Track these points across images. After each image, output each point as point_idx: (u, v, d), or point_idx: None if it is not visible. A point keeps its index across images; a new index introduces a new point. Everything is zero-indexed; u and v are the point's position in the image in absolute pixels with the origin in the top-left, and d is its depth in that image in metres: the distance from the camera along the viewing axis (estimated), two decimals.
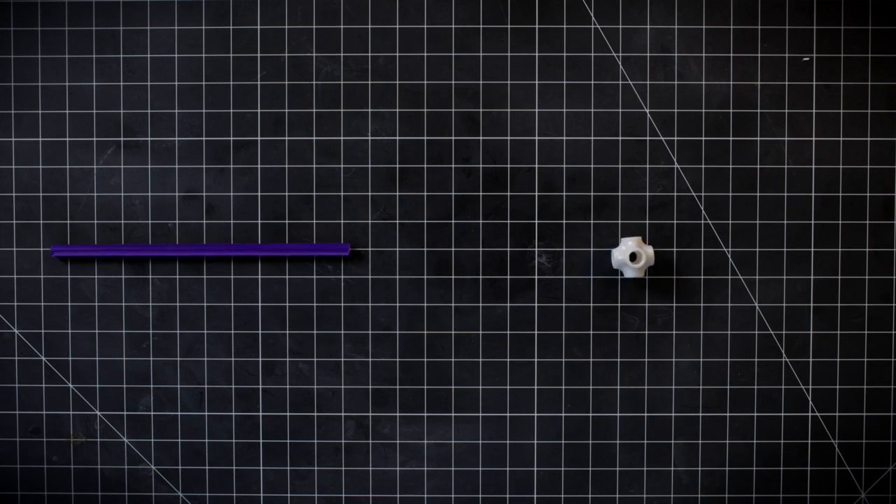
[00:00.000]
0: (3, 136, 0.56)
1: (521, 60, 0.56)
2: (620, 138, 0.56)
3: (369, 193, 0.56)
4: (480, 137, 0.56)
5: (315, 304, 0.56)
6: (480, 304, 0.56)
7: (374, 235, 0.56)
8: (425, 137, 0.56)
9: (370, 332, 0.56)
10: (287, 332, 0.56)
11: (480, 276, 0.56)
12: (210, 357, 0.57)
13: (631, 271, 0.53)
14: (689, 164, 0.56)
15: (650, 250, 0.53)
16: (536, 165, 0.56)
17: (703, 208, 0.56)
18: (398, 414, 0.57)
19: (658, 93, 0.56)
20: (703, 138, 0.56)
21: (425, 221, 0.56)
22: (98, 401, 0.57)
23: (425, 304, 0.56)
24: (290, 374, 0.57)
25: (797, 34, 0.56)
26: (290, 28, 0.56)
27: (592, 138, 0.56)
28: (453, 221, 0.56)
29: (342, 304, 0.56)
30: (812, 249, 0.56)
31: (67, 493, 0.57)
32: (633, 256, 0.52)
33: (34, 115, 0.56)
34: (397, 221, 0.56)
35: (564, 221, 0.56)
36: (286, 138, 0.56)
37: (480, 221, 0.56)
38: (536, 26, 0.56)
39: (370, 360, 0.57)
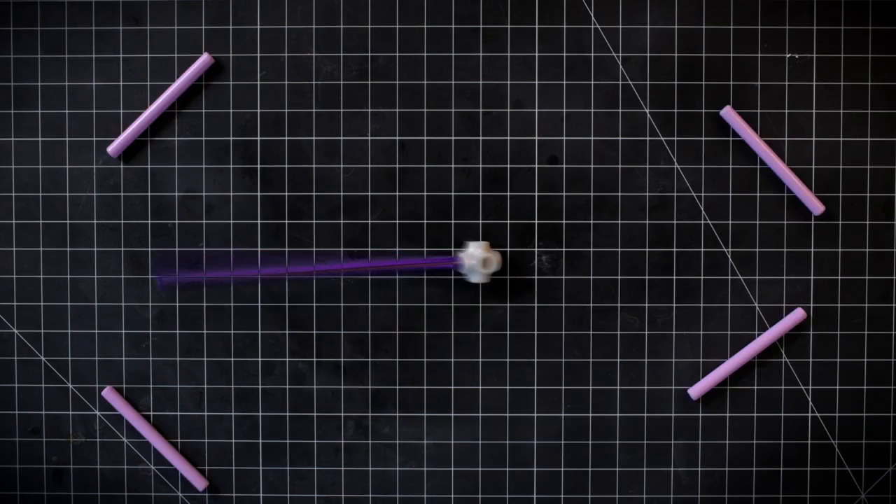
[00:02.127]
0: (3, 136, 0.56)
1: (521, 60, 0.56)
2: (620, 138, 0.56)
3: (369, 193, 0.56)
4: (480, 137, 0.56)
5: (315, 304, 0.56)
6: (480, 304, 0.56)
7: (374, 235, 0.56)
8: (425, 137, 0.56)
9: (370, 332, 0.56)
10: (287, 332, 0.56)
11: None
12: (209, 357, 0.57)
13: (479, 276, 0.53)
14: (689, 164, 0.56)
15: (498, 256, 0.53)
16: (536, 165, 0.56)
17: (703, 208, 0.56)
18: (398, 414, 0.57)
19: (658, 93, 0.56)
20: (703, 138, 0.56)
21: (425, 221, 0.56)
22: (97, 401, 0.57)
23: (425, 304, 0.56)
24: (290, 375, 0.57)
25: (797, 34, 0.56)
26: (290, 28, 0.56)
27: (592, 138, 0.56)
28: (453, 221, 0.56)
29: (342, 304, 0.56)
30: (812, 249, 0.56)
31: (67, 493, 0.57)
32: (485, 262, 0.53)
33: (34, 114, 0.56)
34: (397, 221, 0.56)
35: (564, 221, 0.56)
36: (286, 138, 0.56)
37: (480, 221, 0.56)
38: (536, 26, 0.56)
39: (370, 360, 0.57)
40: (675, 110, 0.56)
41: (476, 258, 0.53)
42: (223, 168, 0.56)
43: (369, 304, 0.56)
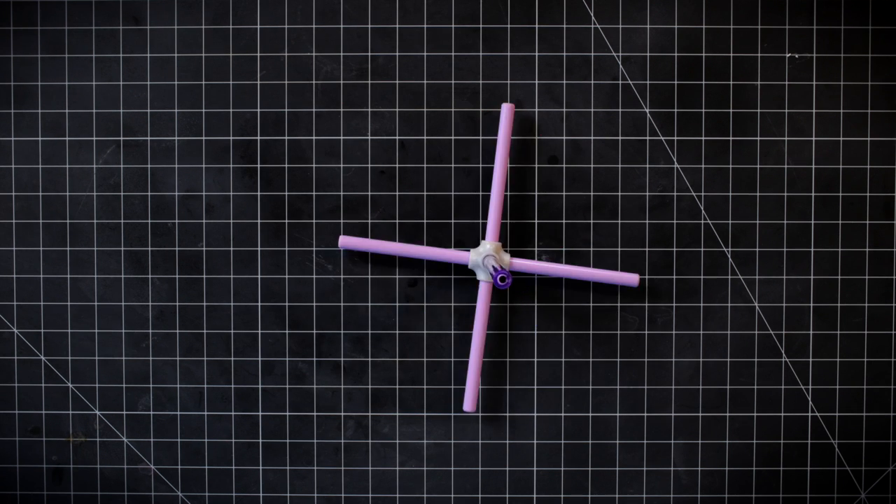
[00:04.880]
0: (3, 136, 0.56)
1: (521, 60, 0.56)
2: (620, 138, 0.56)
3: (369, 193, 0.56)
4: (480, 137, 0.56)
5: (315, 304, 0.56)
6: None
7: (374, 235, 0.56)
8: (425, 137, 0.56)
9: (370, 331, 0.56)
10: (287, 331, 0.56)
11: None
12: (209, 357, 0.57)
13: (484, 274, 0.53)
14: (689, 164, 0.56)
15: (507, 258, 0.53)
16: (536, 165, 0.56)
17: (703, 208, 0.56)
18: (398, 414, 0.57)
19: (658, 92, 0.56)
20: (703, 138, 0.56)
21: (425, 221, 0.56)
22: (97, 400, 0.57)
23: (425, 304, 0.56)
24: (290, 374, 0.57)
25: (797, 34, 0.56)
26: (290, 28, 0.56)
27: (592, 138, 0.56)
28: (453, 221, 0.56)
29: (342, 304, 0.56)
30: (812, 249, 0.56)
31: (67, 493, 0.57)
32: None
33: (34, 114, 0.56)
34: (397, 221, 0.56)
35: (564, 221, 0.56)
36: (286, 138, 0.56)
37: (480, 221, 0.56)
38: (536, 26, 0.56)
39: (370, 359, 0.57)
40: (675, 110, 0.56)
41: (481, 255, 0.52)
42: (223, 168, 0.56)
43: (369, 304, 0.56)
